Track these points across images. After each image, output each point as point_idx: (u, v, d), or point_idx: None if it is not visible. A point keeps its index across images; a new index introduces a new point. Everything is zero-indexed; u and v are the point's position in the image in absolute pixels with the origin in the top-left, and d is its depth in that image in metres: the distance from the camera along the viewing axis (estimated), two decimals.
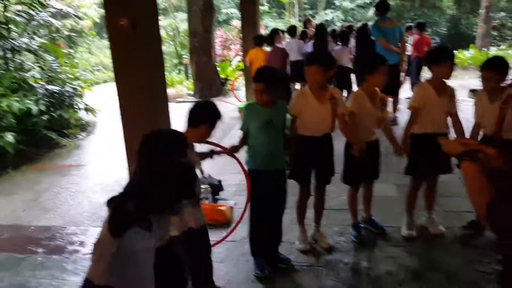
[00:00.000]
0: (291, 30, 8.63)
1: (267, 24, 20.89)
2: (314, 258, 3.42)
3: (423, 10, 21.51)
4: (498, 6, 20.39)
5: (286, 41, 8.82)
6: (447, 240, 3.57)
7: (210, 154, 3.00)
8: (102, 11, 3.72)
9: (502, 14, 20.64)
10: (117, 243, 1.60)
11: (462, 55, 16.55)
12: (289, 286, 3.11)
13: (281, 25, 18.29)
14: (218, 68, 12.44)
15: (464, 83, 11.54)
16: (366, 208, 3.82)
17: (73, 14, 10.98)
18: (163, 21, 18.16)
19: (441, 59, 3.29)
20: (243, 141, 3.17)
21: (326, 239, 3.63)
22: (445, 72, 3.29)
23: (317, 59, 3.19)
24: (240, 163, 3.26)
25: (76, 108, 8.36)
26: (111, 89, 3.80)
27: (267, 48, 7.96)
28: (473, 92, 9.47)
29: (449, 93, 3.40)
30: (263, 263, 3.25)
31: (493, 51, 16.72)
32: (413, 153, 3.53)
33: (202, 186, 4.53)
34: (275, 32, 8.81)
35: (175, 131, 2.45)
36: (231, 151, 3.13)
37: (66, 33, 17.93)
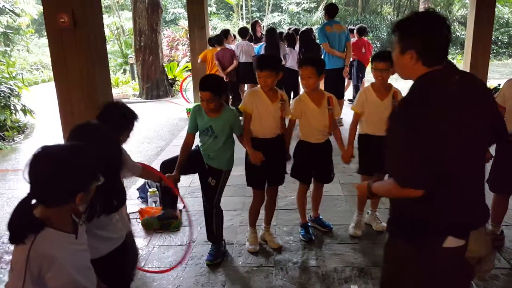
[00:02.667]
0: (243, 32, 8.67)
1: (215, 25, 20.85)
2: (264, 259, 3.44)
3: (365, 15, 22.35)
4: None
5: (236, 42, 8.86)
6: None
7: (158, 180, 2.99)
8: (41, 7, 3.52)
9: None
10: (26, 248, 1.47)
11: None
12: (239, 287, 3.11)
13: (229, 26, 18.29)
14: (165, 69, 12.25)
15: (404, 85, 12.12)
16: (314, 208, 3.90)
17: (9, 10, 10.36)
18: (107, 19, 17.60)
19: (377, 61, 3.41)
20: (182, 158, 3.20)
21: (275, 239, 3.68)
22: (378, 75, 3.41)
23: (269, 64, 3.26)
24: (179, 195, 3.37)
25: (13, 110, 7.90)
26: (51, 89, 3.62)
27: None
28: None
29: (394, 96, 3.47)
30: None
31: None
32: (361, 153, 3.66)
33: (150, 189, 4.44)
34: (226, 32, 8.83)
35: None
36: (174, 184, 3.08)
37: (1, 30, 16.93)
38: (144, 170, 2.67)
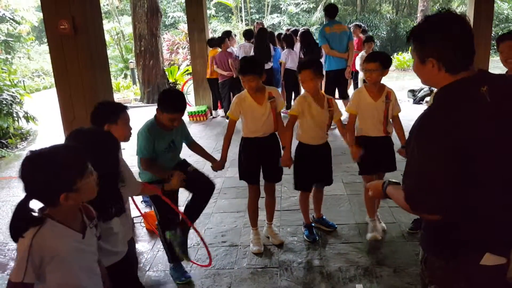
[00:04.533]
0: (248, 34, 8.71)
1: (215, 27, 20.88)
2: (268, 260, 3.45)
3: (364, 14, 22.35)
4: (433, 9, 21.60)
5: (239, 44, 8.90)
6: (394, 235, 3.72)
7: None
8: (41, 14, 3.55)
9: None
10: (29, 237, 1.52)
11: (402, 57, 17.34)
12: None
13: (228, 29, 18.32)
14: (166, 73, 12.27)
15: (404, 84, 12.11)
16: (317, 209, 3.91)
17: (10, 18, 10.42)
18: (107, 25, 17.66)
19: (368, 62, 3.42)
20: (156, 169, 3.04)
21: (278, 236, 3.71)
22: (368, 75, 3.41)
23: (251, 68, 3.27)
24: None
25: (15, 117, 7.94)
26: (53, 95, 3.64)
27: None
28: (412, 92, 9.97)
29: (387, 97, 3.45)
30: (183, 268, 3.29)
31: None
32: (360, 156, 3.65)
33: None
34: (228, 33, 8.86)
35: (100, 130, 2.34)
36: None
37: (2, 38, 17.02)
38: (145, 188, 2.70)
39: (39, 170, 1.53)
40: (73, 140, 1.93)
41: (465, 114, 1.45)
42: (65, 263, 1.60)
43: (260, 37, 7.94)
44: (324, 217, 3.92)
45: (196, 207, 3.27)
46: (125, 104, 2.66)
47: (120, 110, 2.51)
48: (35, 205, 1.60)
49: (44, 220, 1.57)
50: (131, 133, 2.59)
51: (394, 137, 3.60)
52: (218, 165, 3.39)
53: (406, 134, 3.51)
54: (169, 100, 2.90)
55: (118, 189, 2.14)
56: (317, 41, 8.49)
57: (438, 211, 1.50)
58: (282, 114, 3.54)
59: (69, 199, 1.56)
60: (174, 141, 3.08)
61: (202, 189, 3.23)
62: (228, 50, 8.22)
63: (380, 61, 3.35)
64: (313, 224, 3.84)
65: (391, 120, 3.54)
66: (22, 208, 1.54)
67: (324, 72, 5.03)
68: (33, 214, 1.56)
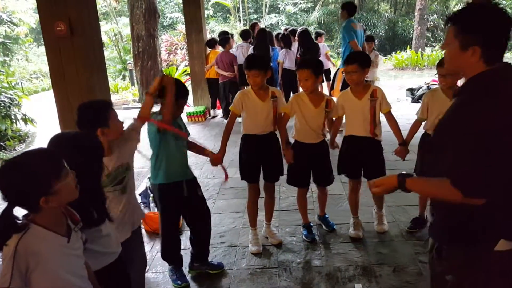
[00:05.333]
0: (245, 34, 8.70)
1: (213, 28, 20.88)
2: (267, 260, 3.44)
3: (362, 13, 22.35)
4: (431, 8, 21.62)
5: (237, 44, 8.89)
6: (392, 234, 3.72)
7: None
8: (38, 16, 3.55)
9: (435, 16, 21.89)
10: (13, 243, 1.51)
11: (400, 56, 17.35)
12: None
13: (226, 29, 18.31)
14: (164, 73, 12.27)
15: (403, 82, 12.11)
16: (321, 207, 3.91)
17: (7, 20, 10.40)
18: (105, 26, 17.65)
19: (347, 64, 3.40)
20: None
21: (276, 236, 3.71)
22: (348, 78, 3.40)
23: (256, 63, 3.28)
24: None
25: (13, 119, 7.93)
26: (51, 97, 3.63)
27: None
28: (410, 91, 9.98)
29: (372, 95, 3.41)
30: (182, 272, 3.25)
31: (428, 52, 17.69)
32: (341, 155, 3.67)
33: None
34: (227, 35, 8.85)
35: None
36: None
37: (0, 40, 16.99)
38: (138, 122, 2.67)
39: (15, 177, 1.52)
40: (53, 145, 1.87)
41: (508, 100, 1.48)
42: (51, 268, 1.59)
43: (261, 38, 7.93)
44: (326, 216, 3.92)
45: (200, 238, 3.29)
46: (108, 101, 2.56)
47: (106, 110, 2.34)
48: (20, 212, 1.58)
49: (28, 226, 1.56)
50: (123, 125, 2.47)
51: (385, 143, 3.59)
52: (217, 158, 3.29)
53: (404, 133, 3.54)
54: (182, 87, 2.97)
55: (102, 192, 2.05)
56: (315, 41, 8.52)
57: (490, 194, 1.50)
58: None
59: (49, 202, 1.54)
60: (180, 125, 3.03)
61: (200, 222, 3.25)
62: (229, 51, 8.22)
63: (358, 63, 3.32)
64: (311, 224, 3.83)
65: (384, 120, 3.52)
66: (5, 217, 1.53)
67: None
68: (17, 221, 1.55)
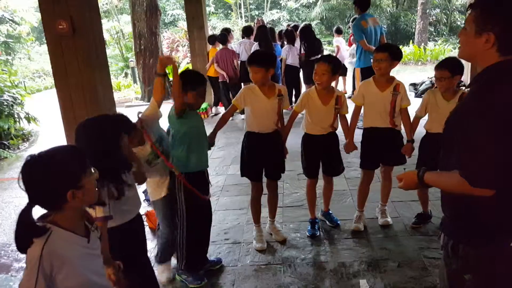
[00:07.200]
0: (247, 30, 8.66)
1: (214, 25, 20.84)
2: (272, 257, 3.45)
3: None
4: (434, 2, 21.50)
5: (239, 40, 8.86)
6: (397, 229, 3.71)
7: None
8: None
9: (437, 10, 21.77)
10: (39, 246, 1.51)
11: (402, 51, 17.25)
12: (248, 286, 3.11)
13: (228, 25, 18.28)
14: (166, 71, 12.25)
15: (406, 77, 12.06)
16: (325, 203, 3.90)
17: (9, 19, 10.41)
18: (106, 24, 17.64)
19: (377, 51, 3.44)
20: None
21: (280, 233, 3.71)
22: (376, 65, 3.41)
23: (255, 60, 3.26)
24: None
25: (17, 118, 7.95)
26: (54, 96, 3.64)
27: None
28: (413, 85, 9.93)
29: (395, 88, 3.44)
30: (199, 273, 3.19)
31: (431, 46, 17.60)
32: (363, 147, 3.65)
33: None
34: (228, 31, 8.83)
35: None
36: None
37: (2, 39, 17.02)
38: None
39: (43, 172, 1.53)
40: (77, 131, 2.20)
41: None
42: (75, 269, 1.60)
43: (263, 34, 7.90)
44: (330, 212, 3.92)
45: (202, 231, 3.24)
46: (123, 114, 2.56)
47: (124, 129, 2.32)
48: (36, 213, 1.58)
49: (50, 228, 1.55)
50: (142, 135, 2.77)
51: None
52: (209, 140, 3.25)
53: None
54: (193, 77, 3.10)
55: (126, 158, 2.30)
56: (317, 37, 8.48)
57: (498, 184, 1.48)
58: (284, 110, 3.52)
59: (76, 197, 1.55)
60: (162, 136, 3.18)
61: (203, 221, 3.22)
62: (228, 47, 8.18)
63: (389, 52, 3.32)
64: (317, 220, 3.83)
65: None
66: (25, 218, 1.52)
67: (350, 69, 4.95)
68: (37, 224, 1.54)
